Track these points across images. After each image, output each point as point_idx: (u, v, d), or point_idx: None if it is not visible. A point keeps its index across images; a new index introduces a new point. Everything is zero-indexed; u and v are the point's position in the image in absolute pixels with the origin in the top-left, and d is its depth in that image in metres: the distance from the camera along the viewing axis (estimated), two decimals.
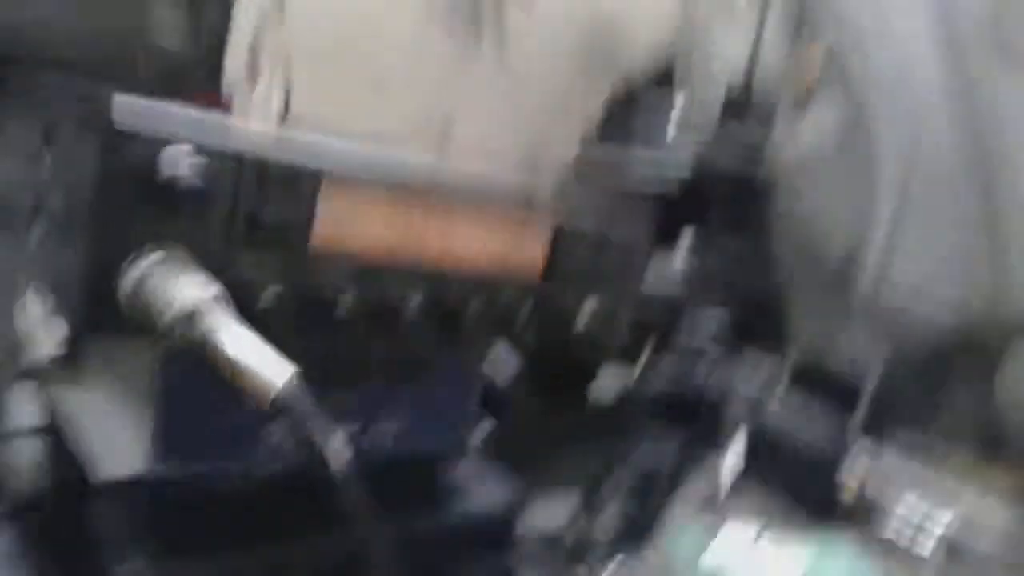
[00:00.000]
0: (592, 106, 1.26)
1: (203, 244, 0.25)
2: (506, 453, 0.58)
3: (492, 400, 0.51)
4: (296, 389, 0.20)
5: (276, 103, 0.68)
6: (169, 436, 0.32)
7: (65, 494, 0.37)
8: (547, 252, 0.35)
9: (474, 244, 0.33)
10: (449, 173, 0.32)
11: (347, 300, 0.28)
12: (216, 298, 0.22)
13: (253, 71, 0.61)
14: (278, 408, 0.20)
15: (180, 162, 0.25)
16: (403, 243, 0.31)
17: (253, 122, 0.66)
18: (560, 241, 0.35)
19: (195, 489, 0.32)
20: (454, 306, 0.31)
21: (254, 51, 0.91)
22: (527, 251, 0.35)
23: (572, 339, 0.35)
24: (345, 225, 0.29)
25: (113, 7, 0.50)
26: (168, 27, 0.53)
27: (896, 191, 0.69)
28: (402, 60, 1.16)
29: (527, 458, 0.58)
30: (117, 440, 0.35)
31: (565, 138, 1.28)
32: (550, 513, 0.61)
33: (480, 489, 0.42)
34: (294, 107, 0.86)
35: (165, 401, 0.32)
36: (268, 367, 0.20)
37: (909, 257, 0.68)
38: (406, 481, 0.40)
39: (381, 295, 0.30)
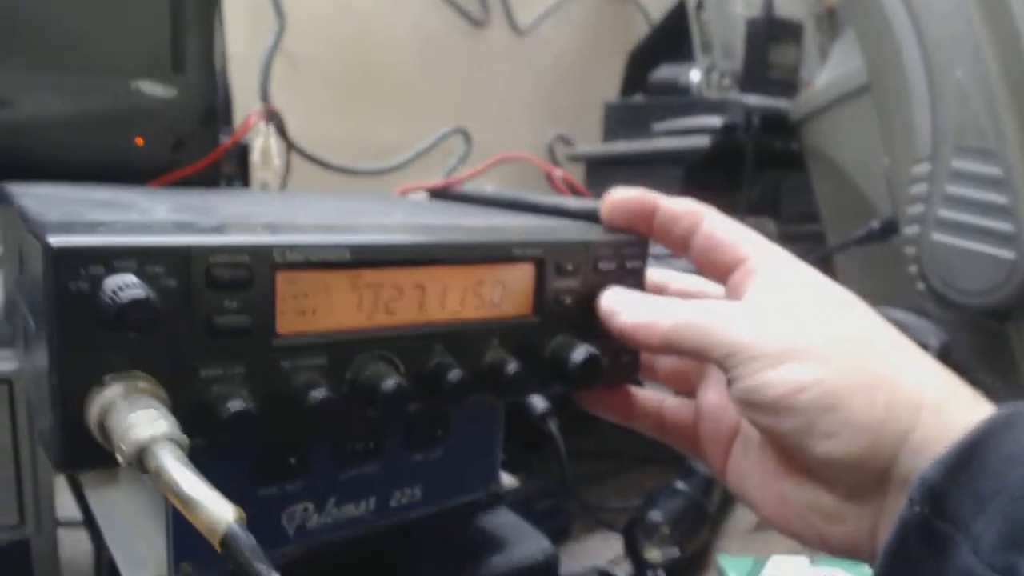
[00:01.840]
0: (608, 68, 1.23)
1: (162, 362, 0.26)
2: (550, 489, 0.58)
3: (528, 436, 0.51)
4: (238, 530, 0.20)
5: (279, 146, 0.69)
6: (186, 537, 0.33)
7: None
8: (534, 288, 0.34)
9: (454, 303, 0.32)
10: (415, 244, 0.31)
11: (320, 392, 0.28)
12: (164, 436, 0.22)
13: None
14: (224, 546, 0.20)
15: (127, 282, 0.24)
16: (375, 320, 0.30)
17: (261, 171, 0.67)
18: (544, 274, 0.34)
19: None
20: (436, 374, 0.31)
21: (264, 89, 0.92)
22: (513, 293, 0.34)
23: (568, 376, 0.34)
24: (308, 315, 0.29)
25: (105, 103, 0.51)
26: (159, 103, 0.54)
27: (932, 141, 0.65)
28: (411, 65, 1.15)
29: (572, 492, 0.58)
30: (146, 542, 0.36)
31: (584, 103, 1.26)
32: (596, 549, 0.60)
33: (514, 537, 0.42)
34: (304, 137, 0.87)
35: None
36: (212, 507, 0.20)
37: (949, 218, 0.64)
38: (437, 537, 0.40)
39: (355, 379, 0.29)
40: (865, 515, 0.28)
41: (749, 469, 0.32)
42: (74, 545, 0.49)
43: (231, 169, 0.72)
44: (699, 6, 1.11)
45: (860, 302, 0.31)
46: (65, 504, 0.44)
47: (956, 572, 0.24)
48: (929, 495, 0.25)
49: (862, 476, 0.27)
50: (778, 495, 0.31)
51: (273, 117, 0.63)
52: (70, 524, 0.48)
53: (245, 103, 0.84)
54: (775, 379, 0.28)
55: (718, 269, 0.33)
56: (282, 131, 0.64)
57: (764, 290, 0.31)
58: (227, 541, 0.20)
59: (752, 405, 0.29)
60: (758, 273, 0.31)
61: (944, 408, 0.26)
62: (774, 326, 0.29)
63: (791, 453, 0.29)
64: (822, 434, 0.27)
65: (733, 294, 0.33)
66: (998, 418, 0.25)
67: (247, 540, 0.19)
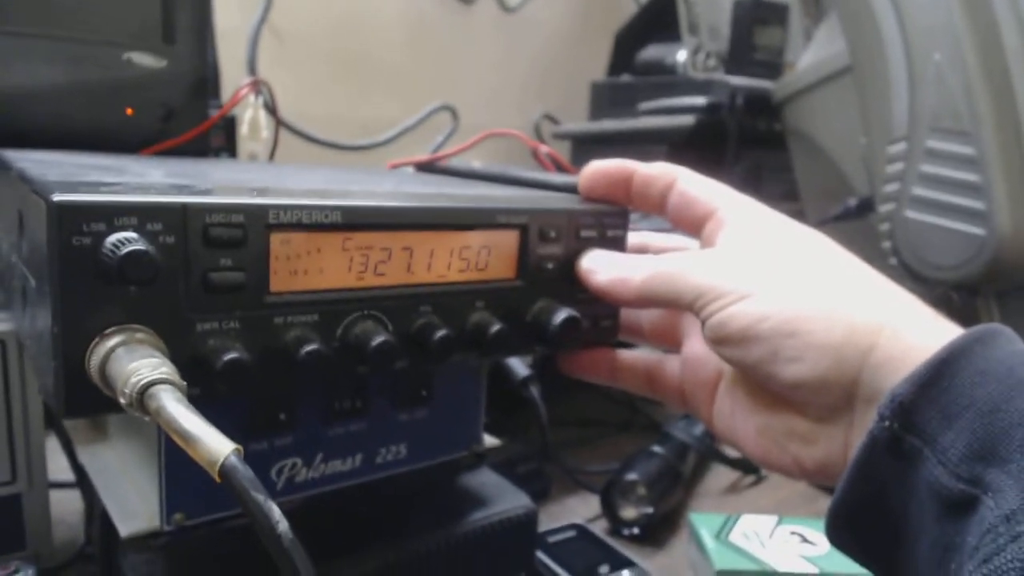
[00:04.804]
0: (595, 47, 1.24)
1: (161, 316, 0.27)
2: (531, 452, 0.59)
3: (510, 401, 0.52)
4: (237, 462, 0.21)
5: (267, 119, 0.70)
6: (178, 489, 0.34)
7: (95, 549, 0.40)
8: (518, 253, 0.36)
9: (441, 267, 0.34)
10: (407, 208, 0.32)
11: (312, 348, 0.29)
12: (164, 379, 0.23)
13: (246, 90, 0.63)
14: (223, 477, 0.21)
15: (128, 238, 0.26)
16: (364, 281, 0.31)
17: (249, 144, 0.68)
18: (528, 241, 0.36)
19: (210, 537, 0.34)
20: (422, 333, 0.32)
21: (252, 63, 0.92)
22: (498, 258, 0.35)
23: (548, 341, 0.35)
24: (300, 274, 0.30)
25: (97, 73, 0.52)
26: (150, 74, 0.54)
27: (909, 122, 0.67)
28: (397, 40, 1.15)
29: (552, 453, 0.59)
30: (139, 494, 0.37)
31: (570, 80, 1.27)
32: (574, 508, 0.62)
33: (496, 495, 0.43)
34: (290, 112, 0.87)
35: (172, 453, 0.34)
36: (211, 442, 0.21)
37: (923, 195, 0.66)
38: (422, 493, 0.42)
39: (345, 336, 0.31)
40: (836, 435, 0.29)
41: (731, 409, 0.34)
42: (63, 504, 0.50)
43: (219, 141, 0.73)
44: None
45: (824, 238, 0.32)
46: (54, 467, 0.46)
47: (923, 484, 0.25)
48: (899, 410, 0.26)
49: (829, 396, 0.29)
50: (756, 428, 0.32)
51: (262, 90, 0.63)
52: (60, 485, 0.49)
53: (231, 77, 0.85)
54: (739, 312, 0.29)
55: (693, 223, 0.35)
56: (271, 104, 0.64)
57: (732, 236, 0.33)
58: (226, 472, 0.21)
59: (721, 340, 0.31)
60: (727, 222, 0.33)
61: (903, 328, 0.28)
62: (737, 266, 0.31)
63: (763, 383, 0.31)
64: (787, 359, 0.29)
65: (707, 244, 0.34)
66: (970, 336, 0.26)
67: (245, 471, 0.21)
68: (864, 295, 0.29)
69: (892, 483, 0.26)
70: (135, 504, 0.37)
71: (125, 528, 0.35)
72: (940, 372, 0.25)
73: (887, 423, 0.26)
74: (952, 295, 0.64)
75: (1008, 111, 0.62)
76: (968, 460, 0.24)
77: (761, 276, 0.30)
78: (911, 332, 0.28)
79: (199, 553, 0.35)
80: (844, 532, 0.29)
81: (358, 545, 0.38)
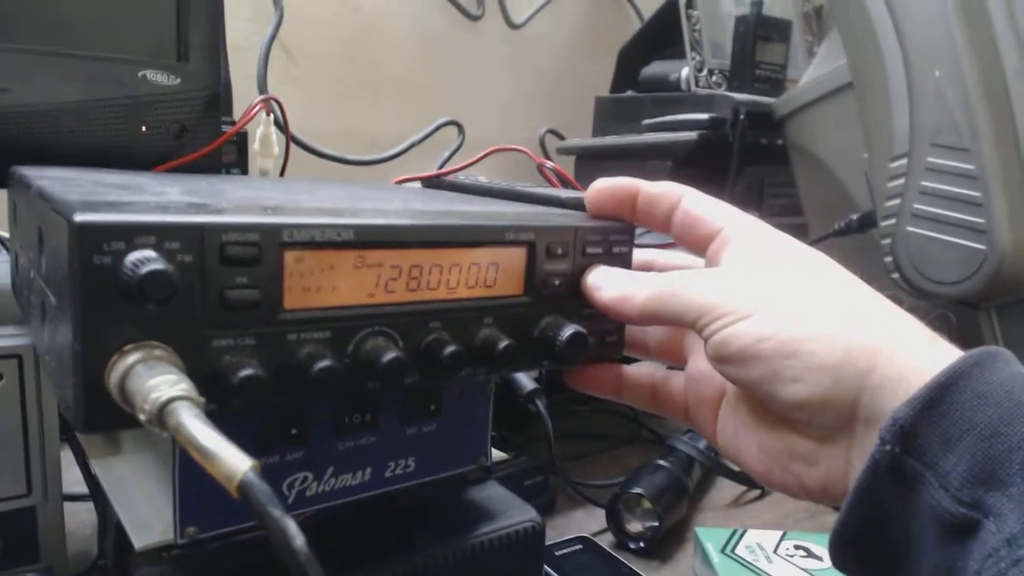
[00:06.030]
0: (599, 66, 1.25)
1: (178, 333, 0.27)
2: (537, 465, 0.60)
3: (517, 415, 0.53)
4: (254, 478, 0.22)
5: (278, 135, 0.71)
6: (192, 502, 0.35)
7: (109, 562, 0.40)
8: (525, 270, 0.36)
9: (450, 283, 0.34)
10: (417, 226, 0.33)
11: (324, 362, 0.30)
12: (183, 396, 0.24)
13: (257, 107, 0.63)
14: (241, 493, 0.21)
15: (147, 256, 0.26)
16: (376, 298, 0.32)
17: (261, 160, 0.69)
18: (536, 257, 0.36)
19: (223, 550, 0.35)
20: (432, 349, 0.33)
21: (261, 78, 0.93)
22: (506, 275, 0.36)
23: (555, 356, 0.36)
24: (313, 291, 0.30)
25: (112, 91, 0.53)
26: (164, 91, 0.55)
27: (909, 138, 0.67)
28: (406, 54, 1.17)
29: (557, 468, 0.60)
30: (152, 507, 0.38)
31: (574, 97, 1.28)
32: (580, 522, 0.62)
33: (503, 508, 0.44)
34: (300, 127, 0.88)
35: (186, 467, 0.34)
36: (229, 458, 0.22)
37: (924, 211, 0.66)
38: (430, 507, 0.42)
39: (357, 352, 0.31)
40: (837, 455, 0.30)
41: (734, 427, 0.35)
42: (77, 517, 0.51)
43: (230, 157, 0.74)
44: (689, 4, 1.13)
45: (827, 260, 0.33)
46: (68, 479, 0.46)
47: (925, 508, 0.26)
48: (900, 434, 0.26)
49: (829, 417, 0.29)
50: (759, 446, 0.33)
51: (274, 107, 0.64)
52: (74, 498, 0.50)
53: (242, 93, 0.86)
54: (740, 331, 0.30)
55: (698, 242, 0.36)
56: (282, 121, 0.65)
57: (735, 256, 0.33)
58: (243, 488, 0.21)
59: (722, 359, 0.31)
60: (731, 241, 0.34)
61: (902, 350, 0.28)
62: (739, 286, 0.31)
63: (764, 403, 0.31)
64: (787, 379, 0.29)
65: (711, 263, 0.35)
66: (969, 358, 0.27)
67: (262, 487, 0.21)
68: (864, 317, 0.30)
69: (894, 506, 0.27)
70: (149, 517, 0.38)
71: (139, 541, 0.36)
72: (940, 396, 0.26)
73: (888, 447, 0.26)
74: (950, 315, 0.65)
75: (1007, 127, 0.63)
76: (969, 484, 0.25)
77: (763, 296, 0.31)
78: (910, 354, 0.28)
79: (212, 566, 0.35)
80: (847, 555, 0.29)
81: (366, 559, 0.38)
